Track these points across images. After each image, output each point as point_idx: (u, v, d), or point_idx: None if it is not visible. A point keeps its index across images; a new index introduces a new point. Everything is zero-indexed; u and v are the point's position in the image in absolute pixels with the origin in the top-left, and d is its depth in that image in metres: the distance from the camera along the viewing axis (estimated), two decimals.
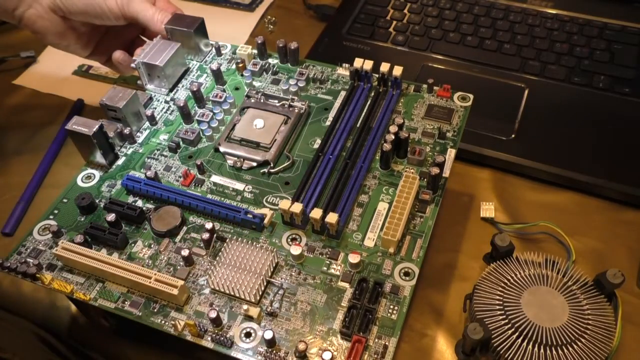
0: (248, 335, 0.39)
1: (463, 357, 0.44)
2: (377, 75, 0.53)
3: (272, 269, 0.42)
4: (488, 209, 0.55)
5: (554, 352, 0.41)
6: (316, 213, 0.43)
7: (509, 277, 0.45)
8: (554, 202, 0.56)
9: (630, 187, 0.54)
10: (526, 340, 0.42)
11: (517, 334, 0.42)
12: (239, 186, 0.48)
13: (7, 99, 0.70)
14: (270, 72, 0.57)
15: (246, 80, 0.56)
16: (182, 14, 0.58)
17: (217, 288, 0.41)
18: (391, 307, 0.40)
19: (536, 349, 0.41)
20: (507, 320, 0.43)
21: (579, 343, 0.42)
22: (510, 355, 0.41)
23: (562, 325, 0.42)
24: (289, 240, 0.44)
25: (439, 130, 0.50)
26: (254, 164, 0.49)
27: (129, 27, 0.61)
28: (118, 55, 0.60)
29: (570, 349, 0.41)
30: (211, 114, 0.52)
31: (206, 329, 0.40)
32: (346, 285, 0.41)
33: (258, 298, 0.41)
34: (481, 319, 0.43)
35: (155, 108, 0.54)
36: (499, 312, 0.43)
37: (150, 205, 0.47)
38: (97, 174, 0.50)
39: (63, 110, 0.67)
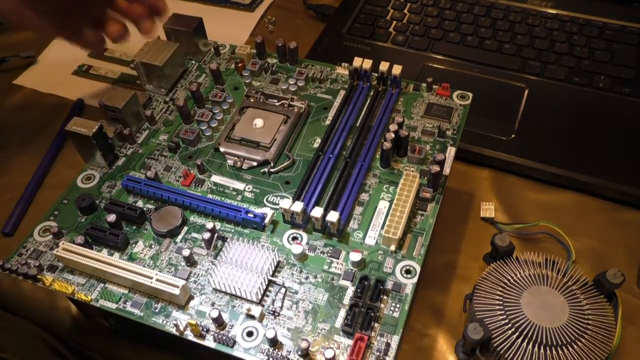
0: (250, 334, 0.39)
1: (463, 357, 0.44)
2: (376, 75, 0.53)
3: (273, 268, 0.42)
4: (488, 209, 0.55)
5: (554, 352, 0.41)
6: (317, 212, 0.43)
7: (509, 277, 0.45)
8: (554, 202, 0.56)
9: (630, 187, 0.54)
10: (526, 340, 0.42)
11: (517, 334, 0.42)
12: (240, 186, 0.48)
13: (7, 99, 0.70)
14: (269, 71, 0.57)
15: (245, 80, 0.56)
16: (181, 14, 0.58)
17: (219, 288, 0.41)
18: (393, 304, 0.40)
19: (536, 349, 0.41)
20: (507, 320, 0.43)
21: (579, 343, 0.42)
22: (510, 355, 0.41)
23: (562, 325, 0.42)
24: (290, 239, 0.44)
25: (438, 128, 0.50)
26: (254, 163, 0.49)
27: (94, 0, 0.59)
28: (88, 34, 0.58)
29: (570, 349, 0.41)
30: (211, 113, 0.52)
31: (208, 328, 0.40)
32: (348, 283, 0.41)
33: (260, 297, 0.41)
34: (481, 319, 0.43)
35: (154, 108, 0.54)
36: (499, 312, 0.43)
37: (150, 206, 0.47)
38: (97, 174, 0.50)
39: (63, 110, 0.67)
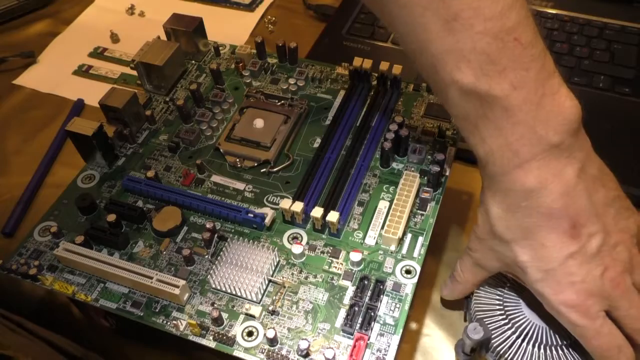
0: (250, 334, 0.39)
1: (463, 357, 0.44)
2: (376, 75, 0.53)
3: (273, 268, 0.42)
4: None
5: (554, 352, 0.41)
6: (317, 212, 0.43)
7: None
8: None
9: (631, 187, 0.54)
10: (526, 341, 0.42)
11: (517, 334, 0.42)
12: (240, 186, 0.48)
13: (7, 99, 0.70)
14: (269, 71, 0.57)
15: (245, 80, 0.56)
16: (181, 14, 0.58)
17: (219, 287, 0.41)
18: (393, 304, 0.40)
19: (536, 349, 0.41)
20: (507, 320, 0.43)
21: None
22: (510, 356, 0.41)
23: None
24: (290, 239, 0.44)
25: (438, 128, 0.50)
26: (254, 163, 0.49)
27: None
28: None
29: (571, 349, 0.41)
30: (211, 114, 0.52)
31: (208, 328, 0.40)
32: (348, 283, 0.41)
33: (260, 297, 0.41)
34: (481, 319, 0.43)
35: (154, 108, 0.54)
36: (499, 312, 0.43)
37: (150, 206, 0.47)
38: (97, 174, 0.50)
39: (63, 110, 0.67)
